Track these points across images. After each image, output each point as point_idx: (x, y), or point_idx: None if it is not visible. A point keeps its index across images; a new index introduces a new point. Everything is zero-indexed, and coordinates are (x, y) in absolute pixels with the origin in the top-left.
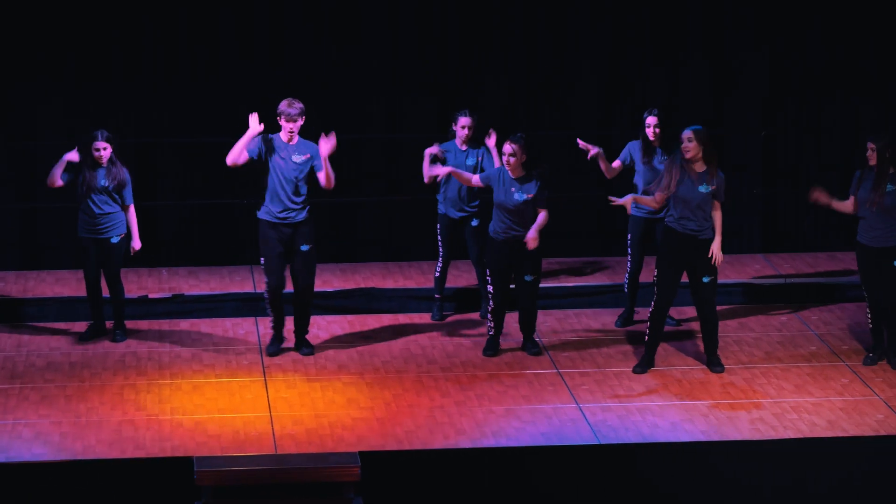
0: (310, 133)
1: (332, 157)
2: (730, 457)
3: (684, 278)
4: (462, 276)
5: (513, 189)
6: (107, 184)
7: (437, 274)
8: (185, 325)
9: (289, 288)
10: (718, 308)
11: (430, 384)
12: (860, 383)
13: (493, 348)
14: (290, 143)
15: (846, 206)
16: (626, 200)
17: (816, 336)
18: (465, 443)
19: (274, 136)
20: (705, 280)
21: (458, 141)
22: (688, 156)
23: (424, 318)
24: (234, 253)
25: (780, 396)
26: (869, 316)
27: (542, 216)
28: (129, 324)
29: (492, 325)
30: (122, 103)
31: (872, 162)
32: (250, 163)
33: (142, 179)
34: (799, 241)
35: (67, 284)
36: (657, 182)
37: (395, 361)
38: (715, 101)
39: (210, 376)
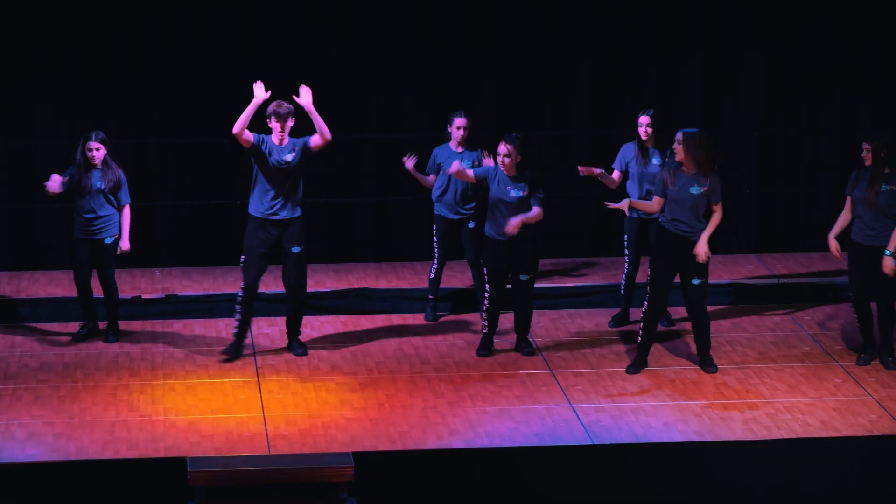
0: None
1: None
2: (723, 457)
3: (678, 279)
4: (455, 277)
5: (508, 187)
6: (102, 186)
7: (432, 275)
8: (178, 325)
9: (277, 289)
10: (712, 308)
11: (423, 384)
12: (853, 383)
13: (486, 348)
14: (281, 145)
15: (846, 212)
16: (623, 204)
17: (810, 336)
18: (458, 443)
19: (266, 137)
20: (695, 282)
21: (452, 142)
22: (676, 158)
23: (418, 318)
24: (228, 253)
25: (773, 396)
26: (855, 315)
27: (535, 210)
28: (123, 324)
29: (486, 325)
30: (122, 103)
31: (868, 162)
32: (250, 149)
33: (140, 180)
34: (792, 241)
35: (61, 285)
36: (656, 186)
37: (389, 362)
38: (715, 102)
39: (203, 377)
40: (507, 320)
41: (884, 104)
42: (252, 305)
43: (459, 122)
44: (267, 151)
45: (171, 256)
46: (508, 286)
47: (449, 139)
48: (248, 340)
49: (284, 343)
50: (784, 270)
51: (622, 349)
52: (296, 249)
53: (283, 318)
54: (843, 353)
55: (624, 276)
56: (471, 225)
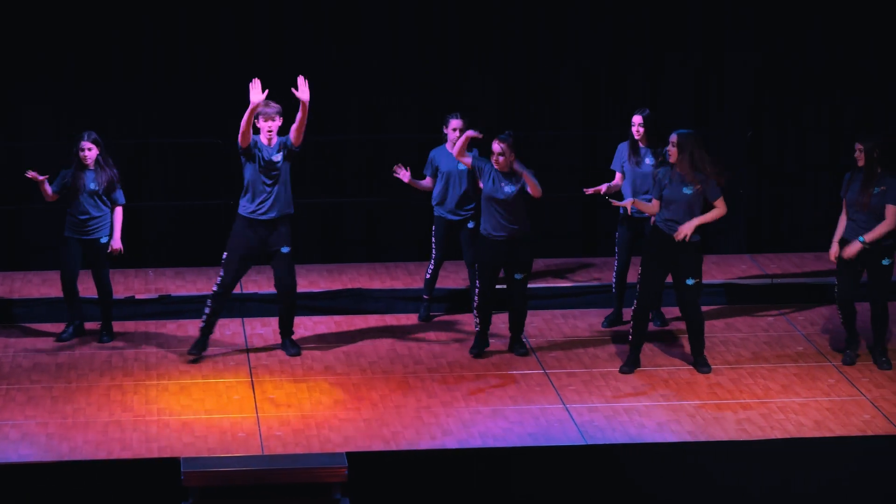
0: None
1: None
2: (716, 457)
3: (671, 279)
4: (449, 278)
5: (502, 184)
6: (95, 187)
7: (428, 275)
8: (171, 325)
9: (271, 289)
10: (705, 308)
11: (416, 385)
12: (847, 383)
13: (479, 345)
14: (270, 145)
15: (844, 215)
16: (627, 203)
17: (803, 336)
18: (451, 443)
19: (256, 137)
20: (689, 282)
21: (448, 144)
22: (670, 160)
23: (411, 318)
24: (221, 254)
25: (766, 397)
26: (839, 313)
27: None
28: (116, 325)
29: (478, 321)
30: (122, 103)
31: (861, 163)
32: (245, 149)
33: (140, 180)
34: (786, 241)
35: (54, 285)
36: (654, 188)
37: (382, 362)
38: (715, 102)
39: (197, 377)
40: (501, 320)
41: (884, 104)
42: (224, 303)
43: (455, 123)
44: (258, 151)
45: (163, 257)
46: (502, 286)
47: (446, 140)
48: (244, 341)
49: (278, 343)
50: (777, 270)
51: (615, 349)
52: (285, 250)
53: (277, 319)
54: (837, 353)
55: (614, 274)
56: (470, 225)
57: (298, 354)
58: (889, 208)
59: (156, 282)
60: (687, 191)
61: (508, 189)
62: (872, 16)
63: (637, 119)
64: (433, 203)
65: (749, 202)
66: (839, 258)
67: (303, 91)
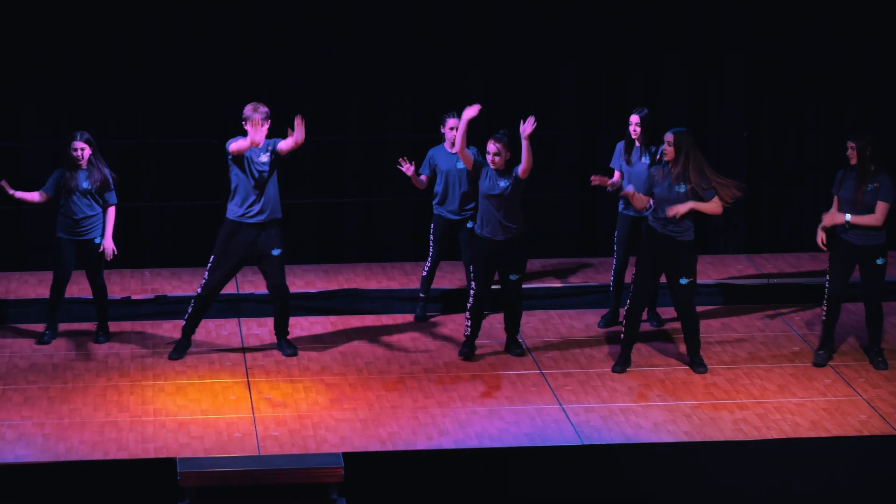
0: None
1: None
2: (713, 457)
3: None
4: (445, 278)
5: (498, 181)
6: (88, 186)
7: (425, 273)
8: (167, 326)
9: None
10: (701, 308)
11: (413, 385)
12: (843, 384)
13: (468, 347)
14: (257, 148)
15: (833, 210)
16: (628, 190)
17: (799, 336)
18: (448, 444)
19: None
20: (683, 282)
21: (446, 143)
22: (666, 158)
23: (408, 318)
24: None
25: (763, 397)
26: (824, 311)
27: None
28: (112, 325)
29: (468, 326)
30: (122, 103)
31: (853, 161)
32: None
33: (138, 180)
34: (781, 241)
35: (50, 286)
36: (644, 183)
37: (378, 362)
38: (715, 102)
39: (193, 377)
40: (496, 321)
41: (884, 104)
42: (206, 306)
43: (452, 122)
44: (247, 155)
45: (161, 257)
46: (496, 287)
47: (444, 140)
48: (241, 341)
49: (274, 343)
50: (773, 271)
51: (612, 350)
52: (275, 252)
53: (272, 319)
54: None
55: (612, 273)
56: (469, 225)
57: (295, 354)
58: (880, 205)
59: (152, 282)
60: (680, 190)
61: (503, 184)
62: (872, 16)
63: (634, 119)
64: (433, 202)
65: (747, 202)
66: (834, 258)
67: (299, 132)
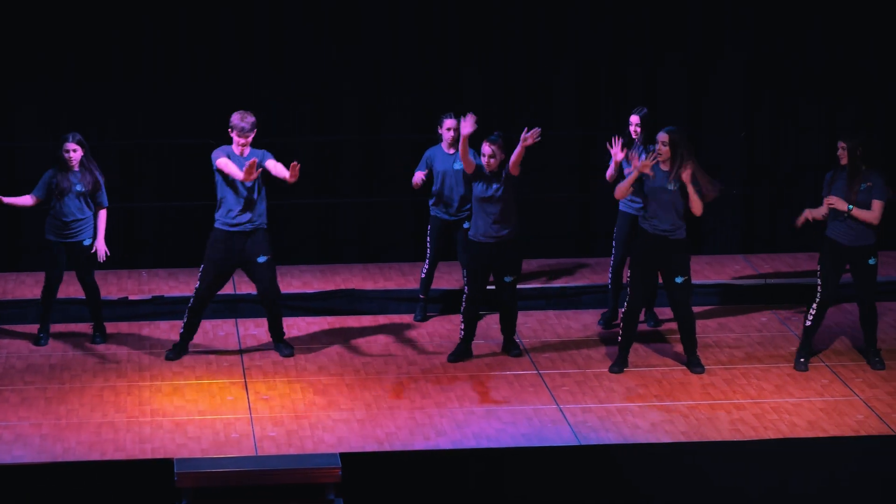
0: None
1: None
2: (710, 457)
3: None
4: (443, 278)
5: (492, 182)
6: (82, 188)
7: (423, 275)
8: (165, 326)
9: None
10: (698, 309)
11: (410, 385)
12: (840, 384)
13: (459, 355)
14: (243, 156)
15: (822, 210)
16: (644, 163)
17: (796, 336)
18: (445, 444)
19: (228, 149)
20: (678, 280)
21: (444, 144)
22: (660, 158)
23: (405, 319)
24: None
25: (760, 397)
26: (812, 314)
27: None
28: (109, 326)
29: (463, 329)
30: (122, 103)
31: (844, 161)
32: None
33: (138, 180)
34: (779, 241)
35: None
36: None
37: (376, 363)
38: (715, 102)
39: (190, 378)
40: (493, 321)
41: (884, 104)
42: (200, 315)
43: (449, 123)
44: (234, 164)
45: (159, 258)
46: (491, 287)
47: (441, 140)
48: (238, 342)
49: (271, 344)
50: (770, 271)
51: (609, 350)
52: (261, 259)
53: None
54: (830, 353)
55: (610, 270)
56: (466, 225)
57: (292, 355)
58: (876, 203)
59: (149, 283)
60: (671, 187)
61: (497, 185)
62: (872, 16)
63: (634, 119)
64: (430, 203)
65: (744, 202)
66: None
67: (293, 177)
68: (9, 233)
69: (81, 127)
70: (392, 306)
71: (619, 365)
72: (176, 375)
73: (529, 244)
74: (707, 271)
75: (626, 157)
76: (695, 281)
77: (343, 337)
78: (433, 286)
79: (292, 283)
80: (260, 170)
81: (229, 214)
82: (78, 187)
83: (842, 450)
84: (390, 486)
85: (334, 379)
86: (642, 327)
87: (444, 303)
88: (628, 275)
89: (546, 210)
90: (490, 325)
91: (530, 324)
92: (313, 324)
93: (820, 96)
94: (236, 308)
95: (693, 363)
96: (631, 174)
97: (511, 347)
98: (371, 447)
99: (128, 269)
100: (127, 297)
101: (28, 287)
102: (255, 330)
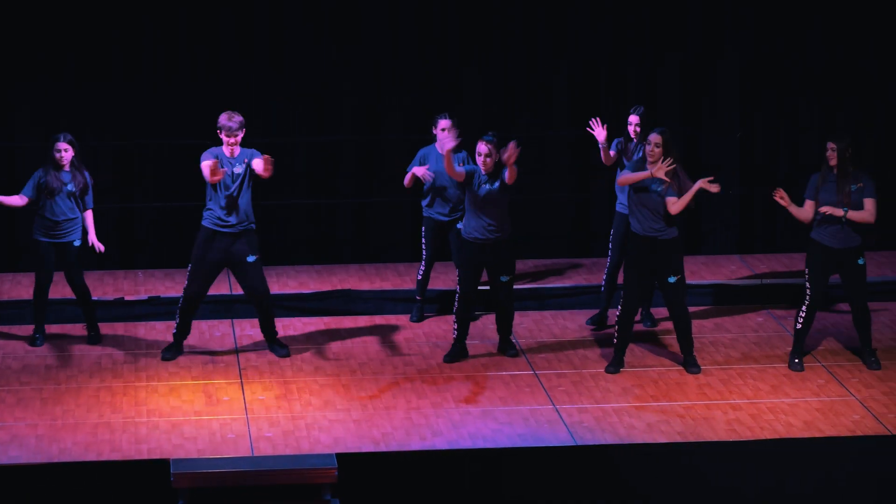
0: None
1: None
2: (706, 458)
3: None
4: (440, 279)
5: (486, 183)
6: (73, 188)
7: (420, 276)
8: (161, 327)
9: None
10: (694, 309)
11: (406, 386)
12: (836, 384)
13: (454, 356)
14: (232, 157)
15: (804, 212)
16: (660, 167)
17: (792, 337)
18: (441, 444)
19: (218, 150)
20: (671, 280)
21: (438, 144)
22: (651, 159)
23: (401, 319)
24: None
25: (756, 397)
26: (802, 317)
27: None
28: (105, 326)
29: (456, 329)
30: (122, 103)
31: (833, 162)
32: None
33: (138, 180)
34: (774, 241)
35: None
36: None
37: (372, 363)
38: (715, 102)
39: (186, 378)
40: (489, 322)
41: (883, 104)
42: (191, 315)
43: (444, 123)
44: (221, 165)
45: (156, 258)
46: (486, 288)
47: (435, 140)
48: (234, 342)
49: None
50: (766, 271)
51: (605, 351)
52: (251, 259)
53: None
54: (826, 353)
55: (605, 271)
56: (459, 226)
57: (287, 355)
58: (870, 202)
59: (145, 283)
60: (658, 188)
61: (490, 185)
62: (872, 16)
63: (634, 119)
64: (423, 203)
65: (741, 202)
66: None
67: (266, 171)
68: (5, 233)
69: (81, 127)
70: (388, 307)
71: (615, 365)
72: (172, 376)
73: (528, 244)
74: (703, 271)
75: (621, 150)
76: (691, 281)
77: (339, 337)
78: (429, 287)
79: (289, 283)
80: (247, 169)
81: (214, 214)
82: (69, 187)
83: (838, 450)
84: (387, 486)
85: (330, 379)
86: (639, 327)
87: (441, 304)
88: (624, 278)
89: (545, 210)
90: (486, 325)
91: (526, 324)
92: (309, 324)
93: (820, 96)
94: (232, 308)
95: (689, 363)
96: (641, 172)
97: (507, 348)
98: (367, 447)
99: (124, 269)
100: (123, 298)
101: (24, 288)
102: (251, 330)
